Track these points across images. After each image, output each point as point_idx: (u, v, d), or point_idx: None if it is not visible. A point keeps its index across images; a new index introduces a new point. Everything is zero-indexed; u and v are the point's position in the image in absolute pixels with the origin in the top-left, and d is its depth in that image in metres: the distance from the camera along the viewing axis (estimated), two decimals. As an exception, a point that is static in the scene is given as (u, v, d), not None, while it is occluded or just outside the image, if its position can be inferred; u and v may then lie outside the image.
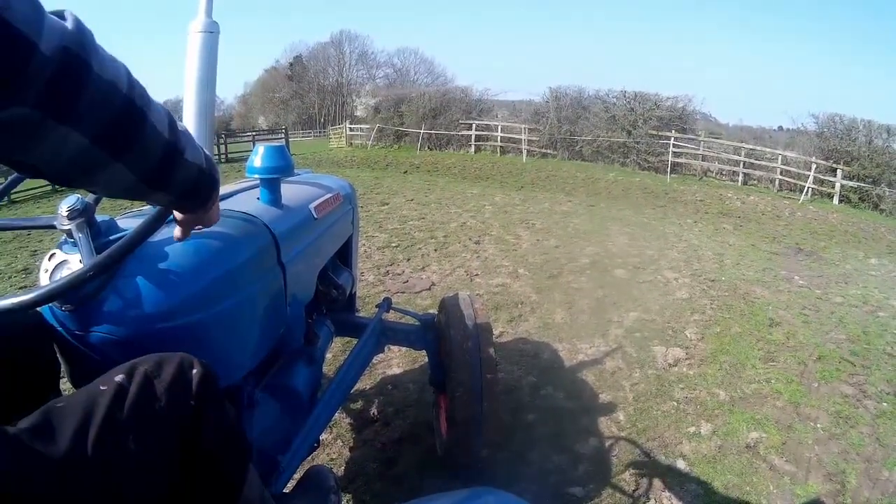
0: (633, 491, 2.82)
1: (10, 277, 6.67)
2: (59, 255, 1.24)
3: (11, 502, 0.76)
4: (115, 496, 0.90)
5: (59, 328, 1.22)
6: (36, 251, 7.77)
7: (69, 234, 1.20)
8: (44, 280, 1.22)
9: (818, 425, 3.46)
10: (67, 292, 1.07)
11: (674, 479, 2.91)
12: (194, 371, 1.06)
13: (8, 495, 0.76)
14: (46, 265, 1.24)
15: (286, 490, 1.73)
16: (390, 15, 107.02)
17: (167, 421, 0.99)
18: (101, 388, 0.98)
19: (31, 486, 0.79)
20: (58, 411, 0.91)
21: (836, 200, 16.58)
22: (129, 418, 0.94)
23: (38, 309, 1.16)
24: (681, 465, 3.03)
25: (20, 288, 6.17)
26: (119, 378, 0.99)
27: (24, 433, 0.84)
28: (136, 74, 0.73)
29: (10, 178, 1.52)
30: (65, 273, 1.19)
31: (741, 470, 3.00)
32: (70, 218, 1.19)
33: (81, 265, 1.12)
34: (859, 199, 16.61)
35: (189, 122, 2.21)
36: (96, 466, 0.87)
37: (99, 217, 1.26)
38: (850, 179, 16.77)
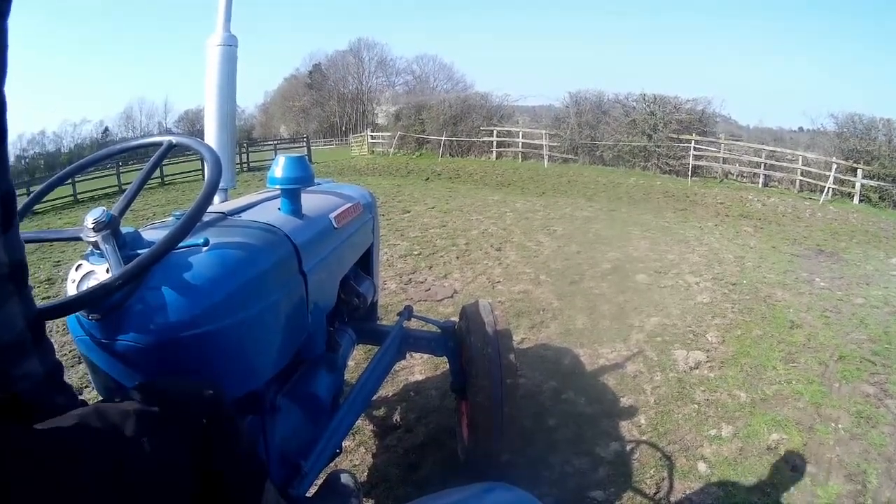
0: (654, 494, 2.86)
1: (33, 287, 6.79)
2: (86, 266, 1.28)
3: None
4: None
5: (86, 336, 1.27)
6: (59, 262, 7.93)
7: (95, 245, 1.25)
8: (71, 290, 1.27)
9: (839, 426, 3.47)
10: (95, 301, 1.14)
11: (695, 481, 2.94)
12: (206, 392, 1.11)
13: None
14: (74, 275, 1.29)
15: (309, 494, 1.78)
16: (408, 22, 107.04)
17: (177, 439, 1.03)
18: (116, 401, 1.03)
19: (37, 494, 0.83)
20: (69, 424, 0.95)
21: (856, 200, 16.44)
22: (139, 437, 0.97)
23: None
24: (702, 467, 3.06)
25: (43, 298, 6.30)
26: (133, 394, 1.04)
27: (32, 439, 0.88)
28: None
29: (32, 194, 1.59)
30: (92, 283, 1.23)
31: (762, 472, 3.02)
32: (96, 230, 1.24)
33: (108, 275, 1.19)
34: (879, 198, 16.42)
35: (210, 132, 2.28)
36: (103, 480, 0.90)
37: (124, 229, 1.31)
38: (871, 179, 16.60)
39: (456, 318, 3.09)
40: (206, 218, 1.65)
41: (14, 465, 0.80)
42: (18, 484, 0.79)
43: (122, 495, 0.91)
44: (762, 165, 18.82)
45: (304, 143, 29.83)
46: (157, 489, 0.98)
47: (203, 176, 1.40)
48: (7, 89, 0.80)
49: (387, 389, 3.75)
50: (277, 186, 1.98)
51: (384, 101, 54.93)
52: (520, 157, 23.63)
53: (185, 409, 1.08)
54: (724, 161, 19.69)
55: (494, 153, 24.33)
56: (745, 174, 19.38)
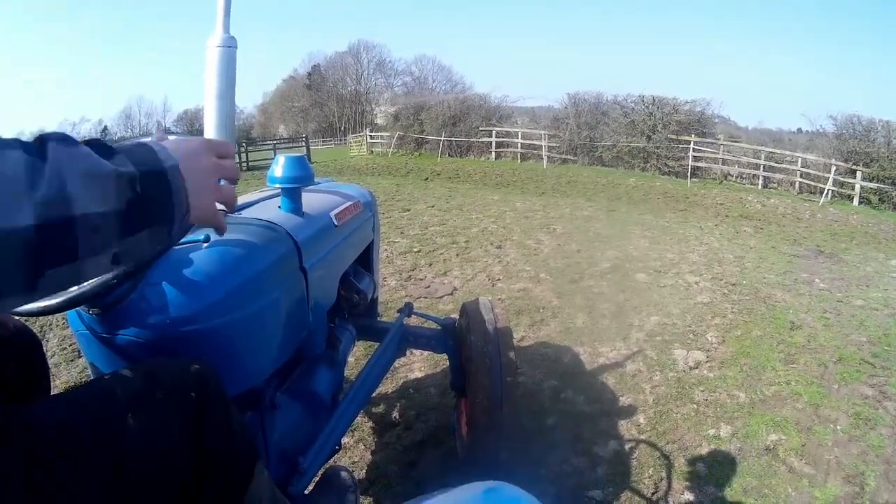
0: (653, 493, 2.85)
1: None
2: None
3: (14, 489, 0.80)
4: (114, 486, 0.93)
5: (86, 331, 1.26)
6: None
7: None
8: None
9: (838, 427, 3.47)
10: (94, 297, 1.12)
11: (693, 481, 2.94)
12: (194, 368, 1.11)
13: (9, 487, 0.79)
14: None
15: (306, 491, 1.77)
16: (407, 22, 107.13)
17: (169, 420, 1.02)
18: (106, 379, 1.03)
19: (37, 494, 0.83)
20: (66, 419, 0.94)
21: (856, 202, 16.51)
22: (128, 411, 0.97)
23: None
24: (700, 467, 3.05)
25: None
26: (123, 374, 1.04)
27: (31, 438, 0.87)
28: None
29: None
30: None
31: (760, 472, 3.02)
32: None
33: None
34: (879, 200, 16.50)
35: (210, 132, 2.27)
36: (97, 458, 0.90)
37: None
38: (870, 181, 16.65)
39: (456, 316, 3.09)
40: None
41: (14, 464, 0.80)
42: (18, 483, 0.79)
43: (122, 494, 0.91)
44: (761, 167, 18.84)
45: (304, 143, 29.84)
46: (155, 488, 0.97)
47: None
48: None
49: (386, 386, 3.74)
50: (277, 186, 1.98)
51: (383, 101, 55.04)
52: (519, 157, 23.65)
53: (175, 388, 1.07)
54: (724, 162, 19.72)
55: (493, 153, 24.38)
56: (744, 175, 19.41)
